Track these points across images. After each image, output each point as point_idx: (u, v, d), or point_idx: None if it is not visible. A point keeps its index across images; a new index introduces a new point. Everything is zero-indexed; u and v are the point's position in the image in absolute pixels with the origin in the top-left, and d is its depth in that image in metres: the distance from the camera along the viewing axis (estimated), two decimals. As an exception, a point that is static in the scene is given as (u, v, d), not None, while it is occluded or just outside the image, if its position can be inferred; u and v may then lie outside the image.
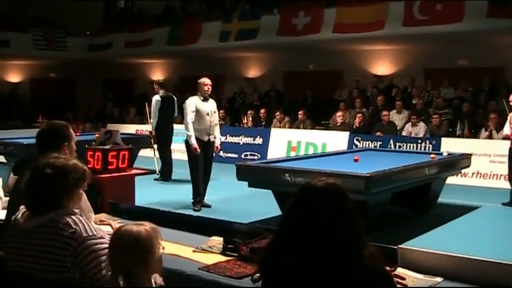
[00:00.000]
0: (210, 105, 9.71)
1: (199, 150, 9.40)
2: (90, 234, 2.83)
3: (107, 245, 2.84)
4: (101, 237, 2.87)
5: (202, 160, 9.57)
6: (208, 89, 9.66)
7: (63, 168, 2.96)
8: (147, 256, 2.61)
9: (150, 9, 22.57)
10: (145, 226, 2.68)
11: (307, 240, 2.36)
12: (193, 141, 9.40)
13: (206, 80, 9.71)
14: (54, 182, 2.91)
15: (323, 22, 16.29)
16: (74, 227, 2.82)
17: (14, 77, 24.24)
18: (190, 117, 9.48)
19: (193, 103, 9.57)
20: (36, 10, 23.11)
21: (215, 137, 9.77)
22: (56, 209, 2.88)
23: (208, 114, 9.58)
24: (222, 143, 10.38)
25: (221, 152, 15.29)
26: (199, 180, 9.60)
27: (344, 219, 2.38)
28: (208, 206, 9.72)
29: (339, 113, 15.07)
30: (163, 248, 2.73)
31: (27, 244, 2.86)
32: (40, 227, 2.84)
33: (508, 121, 10.22)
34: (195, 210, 9.35)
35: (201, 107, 9.57)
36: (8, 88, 23.71)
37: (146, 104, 13.54)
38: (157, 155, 13.14)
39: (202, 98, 9.65)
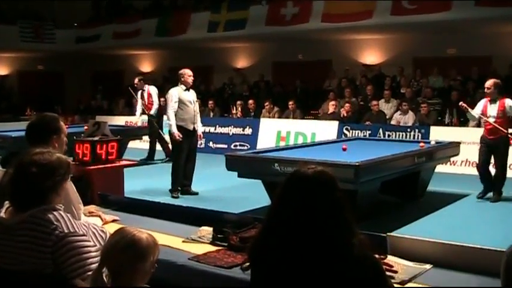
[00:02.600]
0: (192, 95, 9.98)
1: (181, 137, 9.63)
2: (72, 230, 2.79)
3: (88, 243, 2.83)
4: (83, 235, 2.84)
5: (186, 149, 9.78)
6: (192, 79, 9.97)
7: (48, 165, 2.91)
8: (138, 261, 2.58)
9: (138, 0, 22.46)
10: (149, 236, 2.67)
11: (296, 229, 2.35)
12: (174, 129, 9.66)
13: (189, 71, 9.98)
14: (41, 181, 2.87)
15: (311, 12, 16.28)
16: (55, 223, 2.79)
17: (1, 70, 24.10)
18: (172, 107, 9.74)
19: (175, 94, 9.81)
20: (23, 2, 22.92)
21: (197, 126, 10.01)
22: (41, 205, 2.86)
23: (191, 103, 9.84)
24: (204, 131, 10.52)
25: (210, 142, 15.38)
26: (180, 169, 9.82)
27: (333, 207, 2.38)
28: (196, 193, 9.94)
29: (332, 102, 15.06)
30: (157, 265, 2.70)
31: (9, 240, 2.83)
32: (22, 223, 2.81)
33: (475, 113, 9.64)
34: (173, 197, 9.68)
35: (183, 96, 9.80)
36: (-4, 81, 23.59)
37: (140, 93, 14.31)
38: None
39: (185, 88, 9.87)
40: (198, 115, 10.09)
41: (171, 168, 10.00)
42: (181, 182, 9.96)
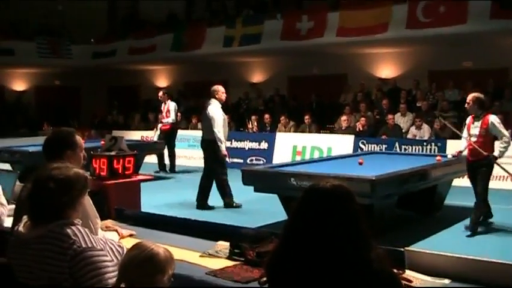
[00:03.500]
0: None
1: (226, 155, 10.00)
2: (89, 245, 2.80)
3: (106, 258, 2.84)
4: (101, 249, 2.84)
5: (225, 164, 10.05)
6: (225, 96, 10.20)
7: (66, 180, 2.93)
8: (156, 275, 2.60)
9: (154, 15, 22.61)
10: (165, 250, 2.68)
11: (313, 243, 2.34)
12: (224, 148, 9.90)
13: (222, 88, 10.18)
14: (58, 196, 2.89)
15: (326, 26, 16.31)
16: (73, 237, 2.79)
17: (19, 85, 24.32)
18: (221, 124, 9.86)
19: (220, 111, 9.94)
20: (40, 18, 23.18)
21: None
22: (59, 219, 2.87)
23: (227, 120, 10.16)
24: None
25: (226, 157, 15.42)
26: (226, 182, 10.05)
27: (351, 221, 2.37)
28: (212, 208, 10.10)
29: (343, 117, 15.07)
30: (172, 279, 2.71)
31: (27, 254, 2.85)
32: (40, 237, 2.83)
33: (464, 134, 8.53)
34: (236, 206, 10.04)
35: (224, 114, 10.03)
36: (14, 96, 23.81)
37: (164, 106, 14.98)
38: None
39: (221, 106, 10.03)
40: None
41: (218, 185, 10.13)
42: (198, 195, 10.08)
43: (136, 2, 24.97)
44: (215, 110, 9.93)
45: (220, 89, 10.07)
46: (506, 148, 8.21)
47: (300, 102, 18.58)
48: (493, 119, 8.27)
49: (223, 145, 9.86)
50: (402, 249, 3.37)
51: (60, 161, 3.35)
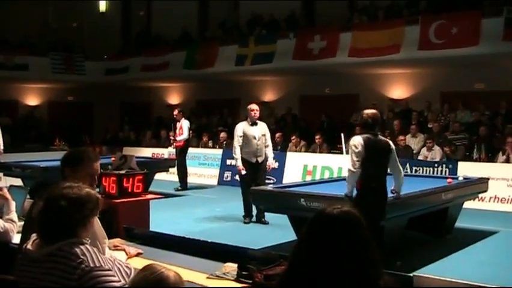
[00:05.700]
0: (259, 129, 10.36)
1: (243, 171, 10.11)
2: (97, 265, 2.81)
3: (114, 278, 2.84)
4: (109, 269, 2.85)
5: (249, 180, 10.03)
6: (255, 114, 10.42)
7: (77, 199, 2.94)
8: None
9: (167, 33, 22.74)
10: (176, 274, 2.67)
11: (321, 270, 2.33)
12: (239, 163, 10.15)
13: (253, 106, 10.53)
14: (70, 215, 2.90)
15: (338, 46, 16.32)
16: (81, 257, 2.80)
17: (32, 100, 24.47)
18: (237, 141, 10.24)
19: (240, 128, 10.31)
20: (54, 35, 23.39)
21: (265, 158, 10.34)
22: (68, 238, 2.88)
23: (255, 138, 10.22)
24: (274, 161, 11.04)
25: (236, 175, 15.42)
26: (247, 198, 10.06)
27: (359, 248, 2.35)
28: (266, 223, 10.07)
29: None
30: None
31: (35, 272, 2.86)
32: (49, 255, 2.84)
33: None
34: (245, 222, 10.16)
35: (248, 131, 10.23)
36: (26, 111, 23.95)
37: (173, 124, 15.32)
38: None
39: (251, 123, 10.32)
40: (268, 148, 10.47)
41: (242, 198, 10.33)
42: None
43: (149, 20, 25.15)
44: (237, 126, 10.47)
45: (249, 107, 10.57)
46: (347, 180, 6.65)
47: (311, 122, 18.55)
48: (352, 140, 6.69)
49: (238, 160, 10.14)
50: (411, 275, 3.34)
51: (63, 178, 3.36)
